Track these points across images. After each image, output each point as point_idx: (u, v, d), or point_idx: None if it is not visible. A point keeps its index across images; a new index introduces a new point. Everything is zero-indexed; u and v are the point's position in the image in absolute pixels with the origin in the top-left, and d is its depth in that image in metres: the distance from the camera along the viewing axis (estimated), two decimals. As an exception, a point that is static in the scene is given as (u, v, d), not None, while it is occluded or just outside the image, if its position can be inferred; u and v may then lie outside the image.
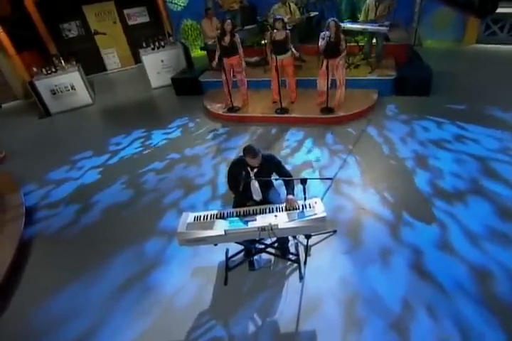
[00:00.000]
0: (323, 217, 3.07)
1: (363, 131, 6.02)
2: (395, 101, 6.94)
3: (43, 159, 6.65)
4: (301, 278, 3.55)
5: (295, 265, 3.68)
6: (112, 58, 11.34)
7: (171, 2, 10.85)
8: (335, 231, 4.05)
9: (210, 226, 3.17)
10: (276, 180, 3.53)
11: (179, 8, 11.12)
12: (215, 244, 3.22)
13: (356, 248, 3.83)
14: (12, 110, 9.60)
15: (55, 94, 8.56)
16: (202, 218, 3.29)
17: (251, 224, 3.10)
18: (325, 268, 3.64)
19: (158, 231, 4.45)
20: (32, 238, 4.62)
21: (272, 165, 3.47)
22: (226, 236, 3.07)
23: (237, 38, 6.43)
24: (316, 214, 3.11)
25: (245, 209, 3.34)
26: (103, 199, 5.23)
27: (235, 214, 3.30)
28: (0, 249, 4.20)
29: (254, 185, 3.53)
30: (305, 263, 3.68)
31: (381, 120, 6.34)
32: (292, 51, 6.34)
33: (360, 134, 5.96)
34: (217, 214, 3.31)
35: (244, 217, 3.24)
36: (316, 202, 3.26)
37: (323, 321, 3.13)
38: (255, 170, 3.42)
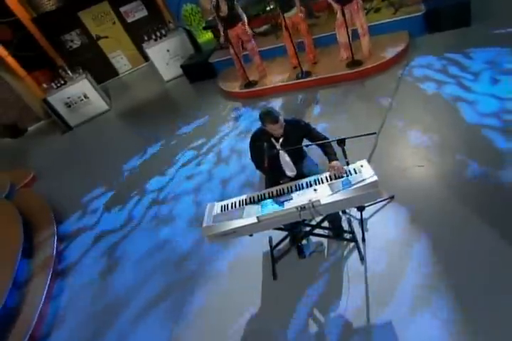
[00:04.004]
0: (375, 182, 2.44)
1: (399, 79, 5.19)
2: (430, 39, 5.95)
3: (74, 183, 6.17)
4: (362, 258, 2.94)
5: (352, 244, 3.08)
6: (121, 61, 11.04)
7: (165, -11, 10.29)
8: (392, 197, 3.38)
9: (240, 215, 2.66)
10: (307, 146, 2.93)
11: (175, -5, 10.53)
12: (250, 235, 2.69)
13: (422, 213, 3.13)
14: (37, 131, 9.62)
15: (70, 106, 8.38)
16: (230, 206, 2.79)
17: (287, 205, 2.55)
18: (389, 243, 3.00)
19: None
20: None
21: (299, 131, 2.89)
22: (260, 224, 2.55)
23: (236, 5, 5.77)
24: (364, 179, 2.50)
25: (278, 188, 2.79)
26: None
27: (267, 195, 2.76)
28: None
29: (284, 157, 2.98)
30: (363, 240, 3.06)
31: (418, 63, 5.43)
32: (298, 6, 5.59)
33: (398, 83, 5.13)
34: (246, 199, 2.80)
35: (278, 197, 2.69)
36: (362, 166, 2.65)
37: (400, 309, 2.51)
38: (280, 139, 2.87)
